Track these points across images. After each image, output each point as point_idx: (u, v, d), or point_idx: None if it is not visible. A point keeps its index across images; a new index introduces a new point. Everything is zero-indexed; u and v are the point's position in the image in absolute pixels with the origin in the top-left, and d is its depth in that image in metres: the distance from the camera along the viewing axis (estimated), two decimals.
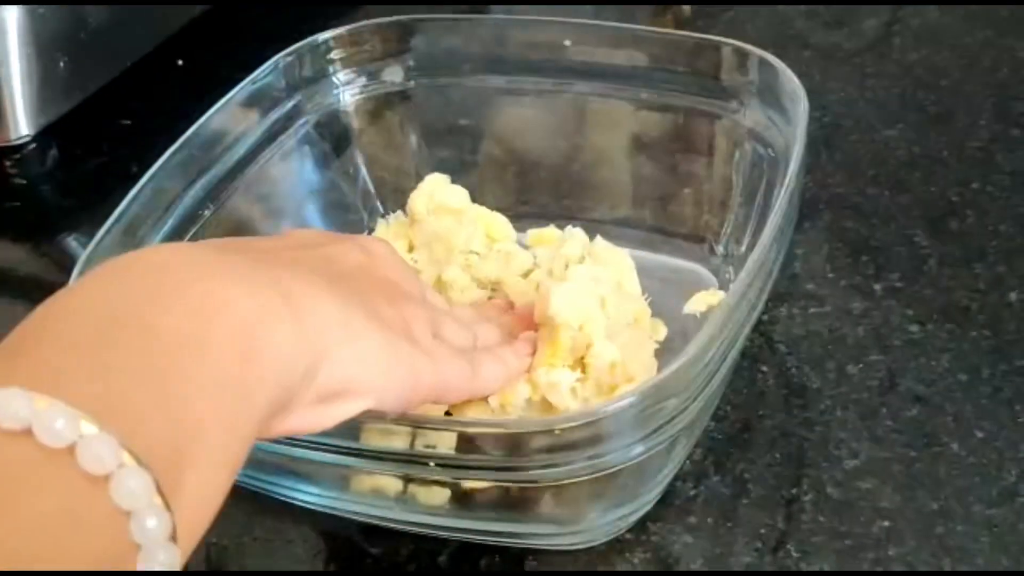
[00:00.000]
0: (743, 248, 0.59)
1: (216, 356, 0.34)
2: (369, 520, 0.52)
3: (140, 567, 0.30)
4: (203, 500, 0.33)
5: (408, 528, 0.51)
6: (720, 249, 0.61)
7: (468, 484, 0.48)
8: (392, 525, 0.52)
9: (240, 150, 0.61)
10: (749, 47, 0.57)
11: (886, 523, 0.50)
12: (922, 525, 0.49)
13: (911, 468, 0.52)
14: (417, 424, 0.46)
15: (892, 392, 0.55)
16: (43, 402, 0.29)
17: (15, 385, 0.29)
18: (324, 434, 0.46)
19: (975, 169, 0.66)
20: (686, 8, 0.90)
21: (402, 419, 0.47)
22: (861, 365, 0.56)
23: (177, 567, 0.30)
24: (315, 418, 0.40)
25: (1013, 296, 0.59)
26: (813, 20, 0.83)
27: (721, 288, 0.59)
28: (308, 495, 0.52)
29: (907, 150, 0.68)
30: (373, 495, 0.50)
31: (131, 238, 0.55)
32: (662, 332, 0.56)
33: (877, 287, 0.60)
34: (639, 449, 0.45)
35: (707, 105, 0.60)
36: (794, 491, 0.52)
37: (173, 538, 0.30)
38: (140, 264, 0.36)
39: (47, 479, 0.29)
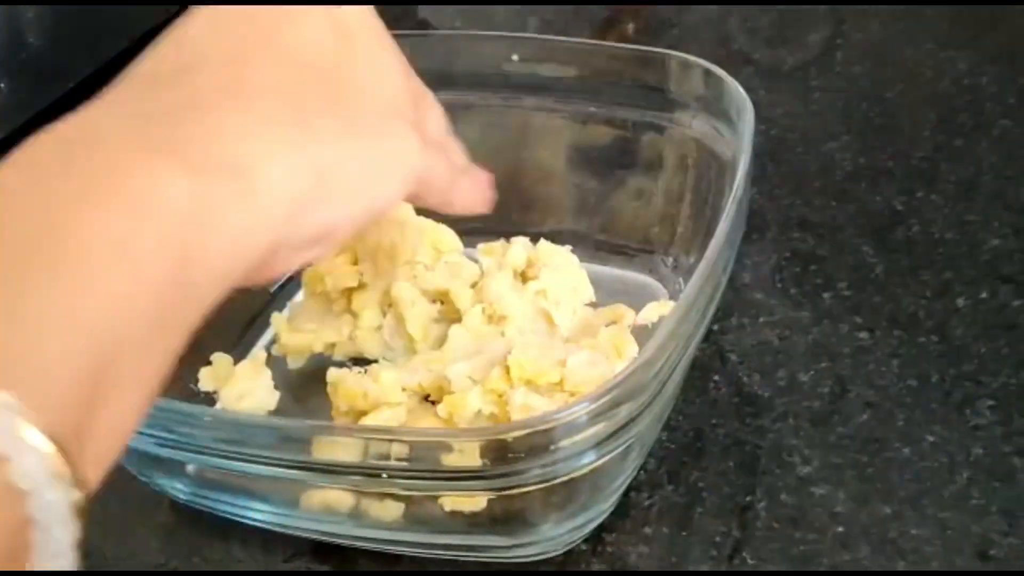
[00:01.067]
0: (692, 259, 0.59)
1: (144, 264, 0.30)
2: (321, 537, 0.51)
3: (35, 542, 0.28)
4: (118, 429, 0.31)
5: (360, 544, 0.51)
6: (669, 261, 0.61)
7: (420, 496, 0.48)
8: (344, 542, 0.51)
9: None
10: (694, 59, 0.58)
11: (840, 528, 0.50)
12: (876, 530, 0.49)
13: (863, 473, 0.52)
14: (368, 435, 0.45)
15: (843, 399, 0.55)
16: None
17: None
18: (275, 448, 0.46)
19: (920, 179, 0.67)
20: (630, 27, 0.90)
21: (353, 429, 0.47)
22: (812, 372, 0.57)
23: (76, 537, 0.29)
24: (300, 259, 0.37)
25: (960, 302, 0.59)
26: (756, 36, 0.83)
27: (672, 299, 0.59)
28: (258, 513, 0.52)
29: (852, 161, 0.69)
30: (324, 511, 0.50)
31: None
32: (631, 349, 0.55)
33: (825, 296, 0.61)
34: (591, 456, 0.45)
35: (654, 117, 0.60)
36: (748, 499, 0.52)
37: (77, 512, 0.29)
38: (59, 143, 0.32)
39: None
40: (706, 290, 0.48)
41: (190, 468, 0.51)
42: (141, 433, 0.47)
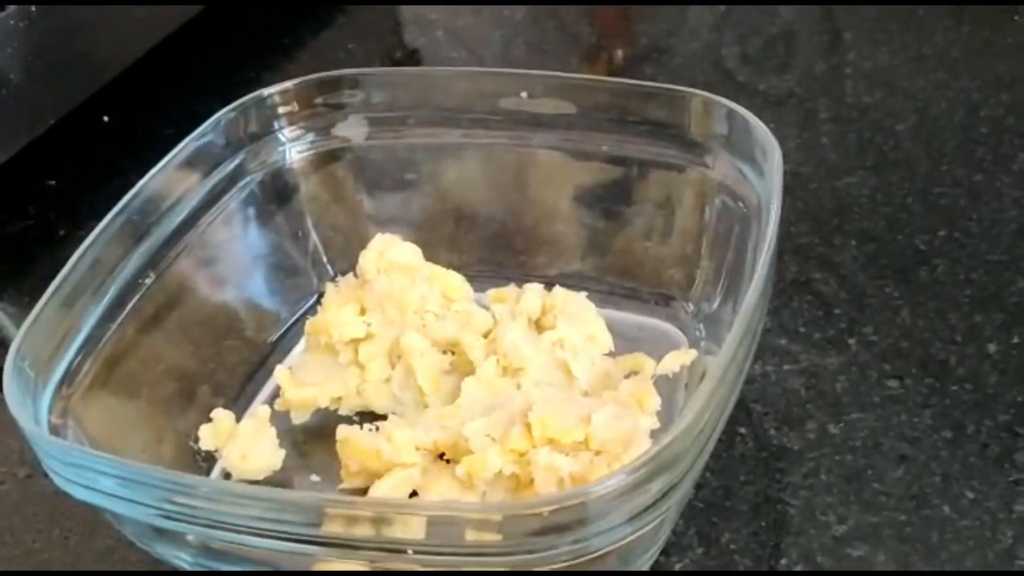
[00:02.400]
0: (714, 306, 0.57)
1: None
2: None
3: None
4: None
5: None
6: (689, 307, 0.59)
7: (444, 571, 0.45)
8: None
9: (181, 213, 0.58)
10: (717, 98, 0.55)
11: None
12: None
13: (902, 533, 0.50)
14: (386, 510, 0.43)
15: (876, 452, 0.53)
16: None
17: None
18: (283, 523, 0.43)
19: (941, 216, 0.65)
20: (619, 53, 0.88)
21: (369, 504, 0.45)
22: (842, 424, 0.54)
23: None
24: None
25: (992, 347, 0.57)
26: (757, 65, 0.81)
27: (693, 347, 0.57)
28: None
29: (870, 197, 0.67)
30: None
31: (68, 310, 0.51)
32: (653, 402, 0.53)
33: (851, 341, 0.58)
34: (625, 531, 0.42)
35: (672, 157, 0.58)
36: (784, 561, 0.49)
37: None
38: None
39: None
40: (743, 346, 0.46)
41: (192, 537, 0.48)
42: (139, 503, 0.44)
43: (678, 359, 0.55)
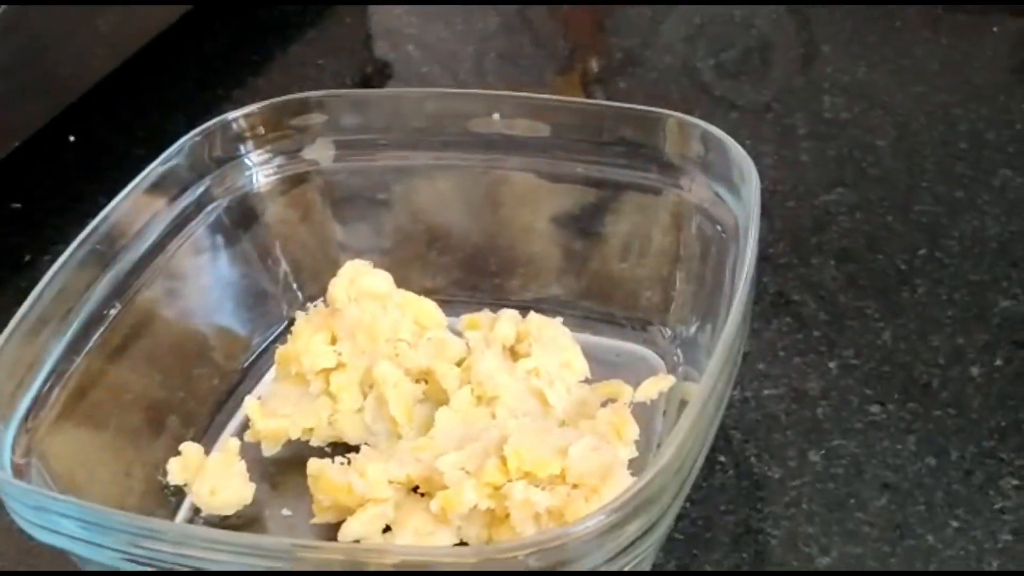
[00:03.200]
0: (692, 330, 0.56)
1: None
2: None
3: None
4: None
5: None
6: (666, 331, 0.57)
7: None
8: None
9: (147, 241, 0.56)
10: (692, 119, 0.54)
11: None
12: None
13: (886, 564, 0.49)
14: (358, 554, 0.41)
15: (859, 480, 0.52)
16: None
17: None
18: (254, 567, 0.42)
19: (921, 234, 0.64)
20: (594, 64, 0.87)
21: (341, 549, 0.43)
22: (823, 451, 0.53)
23: None
24: None
25: (975, 370, 0.56)
26: (732, 78, 0.80)
27: (670, 371, 0.56)
28: None
29: (849, 216, 0.66)
30: None
31: (33, 341, 0.50)
32: (632, 431, 0.52)
33: (832, 365, 0.57)
34: (606, 570, 0.41)
35: (648, 180, 0.56)
36: None
37: None
38: None
39: None
40: (723, 376, 0.45)
41: None
42: (103, 547, 0.43)
43: (656, 385, 0.54)
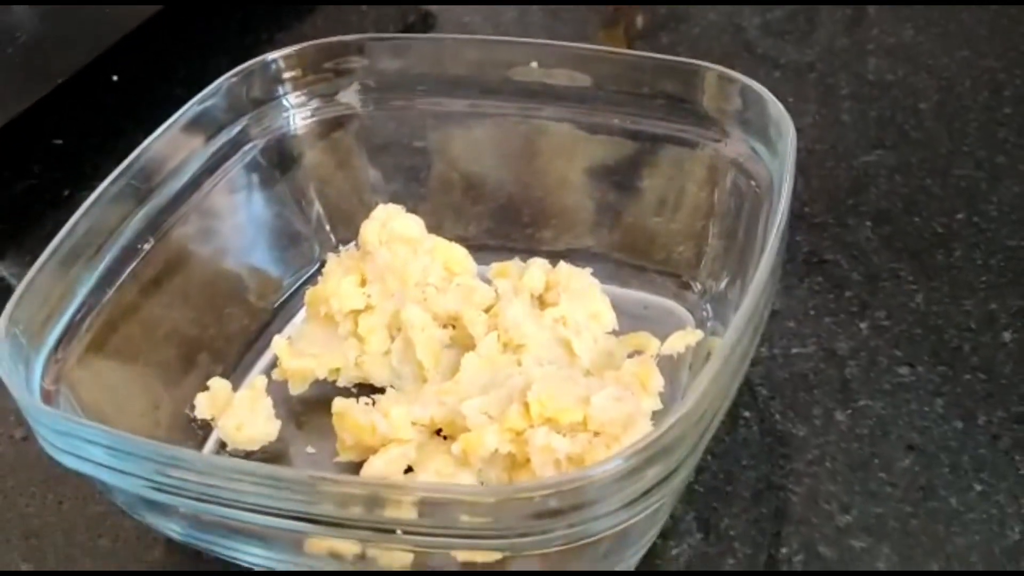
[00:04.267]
0: (722, 285, 0.56)
1: None
2: None
3: None
4: None
5: None
6: (697, 286, 0.57)
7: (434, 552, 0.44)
8: None
9: (183, 178, 0.56)
10: (732, 73, 0.54)
11: None
12: None
13: (907, 525, 0.48)
14: (379, 490, 0.42)
15: (884, 441, 0.52)
16: None
17: None
18: (275, 499, 0.42)
19: (960, 199, 0.63)
20: (639, 19, 0.87)
21: (361, 484, 0.44)
22: (849, 411, 0.53)
23: None
24: None
25: (1007, 336, 0.55)
26: (776, 36, 0.79)
27: (699, 327, 0.56)
28: (257, 557, 0.48)
29: (888, 178, 0.65)
30: (329, 558, 0.46)
31: (65, 273, 0.51)
32: (656, 383, 0.52)
33: (862, 326, 0.57)
34: (622, 516, 0.41)
35: (683, 132, 0.56)
36: (784, 550, 0.48)
37: None
38: None
39: None
40: (750, 328, 0.44)
41: (183, 509, 0.47)
42: (129, 475, 0.43)
43: (683, 339, 0.54)
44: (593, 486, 0.39)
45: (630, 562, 0.46)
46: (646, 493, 0.41)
